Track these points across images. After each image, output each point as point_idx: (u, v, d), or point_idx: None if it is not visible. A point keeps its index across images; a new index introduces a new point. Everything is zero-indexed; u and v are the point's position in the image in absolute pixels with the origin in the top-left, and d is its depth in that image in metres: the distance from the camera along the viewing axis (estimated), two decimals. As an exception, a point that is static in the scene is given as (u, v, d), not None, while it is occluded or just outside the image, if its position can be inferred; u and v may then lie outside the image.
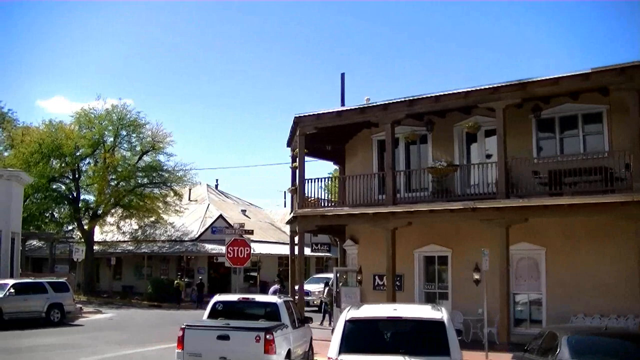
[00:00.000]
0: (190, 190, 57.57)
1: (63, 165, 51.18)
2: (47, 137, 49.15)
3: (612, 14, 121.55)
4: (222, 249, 50.06)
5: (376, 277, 27.23)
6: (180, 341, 15.09)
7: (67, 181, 52.84)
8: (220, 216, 54.14)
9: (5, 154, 55.33)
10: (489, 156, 25.76)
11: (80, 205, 52.31)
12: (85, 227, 51.82)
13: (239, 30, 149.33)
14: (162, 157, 52.47)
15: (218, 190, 66.99)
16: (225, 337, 14.84)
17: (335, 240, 38.71)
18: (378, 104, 24.97)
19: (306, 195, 27.11)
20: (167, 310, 42.55)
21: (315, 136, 27.66)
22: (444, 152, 26.11)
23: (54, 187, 52.50)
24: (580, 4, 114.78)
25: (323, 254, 48.80)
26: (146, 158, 52.10)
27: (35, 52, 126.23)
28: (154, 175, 51.64)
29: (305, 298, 38.70)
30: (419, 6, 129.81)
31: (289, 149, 31.86)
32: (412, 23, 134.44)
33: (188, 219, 56.00)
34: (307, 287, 40.52)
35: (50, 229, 52.91)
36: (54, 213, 53.91)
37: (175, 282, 47.49)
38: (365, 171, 27.42)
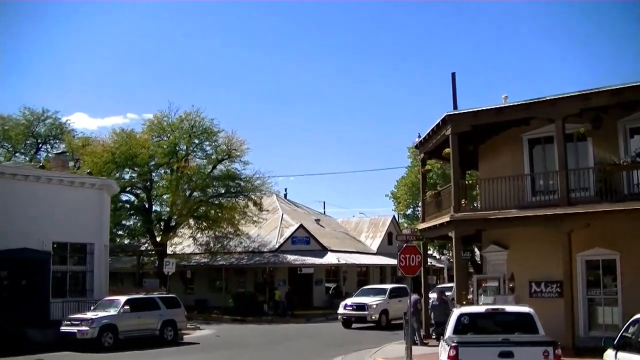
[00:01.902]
0: (261, 199, 55.54)
1: (136, 175, 49.44)
2: (121, 146, 47.32)
3: None
4: (305, 259, 49.19)
5: (532, 284, 25.33)
6: None
7: (139, 191, 51.08)
8: (301, 226, 52.32)
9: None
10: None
11: (152, 216, 50.39)
12: (158, 239, 50.00)
13: (299, 31, 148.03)
14: (237, 166, 50.69)
15: (287, 200, 65.13)
16: (508, 355, 13.18)
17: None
18: (546, 99, 23.06)
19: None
20: (259, 325, 40.86)
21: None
22: (605, 149, 24.24)
23: (125, 198, 50.90)
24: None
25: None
26: (220, 167, 50.23)
27: (54, 69, 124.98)
28: (230, 184, 49.62)
29: (360, 313, 37.07)
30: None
31: (418, 151, 30.05)
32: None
33: (263, 229, 54.15)
34: (360, 300, 38.30)
35: (122, 242, 51.16)
36: (127, 225, 51.99)
37: (274, 292, 46.94)
38: (514, 172, 25.49)
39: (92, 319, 27.80)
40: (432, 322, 26.99)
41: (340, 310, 38.33)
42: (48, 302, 32.33)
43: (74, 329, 27.75)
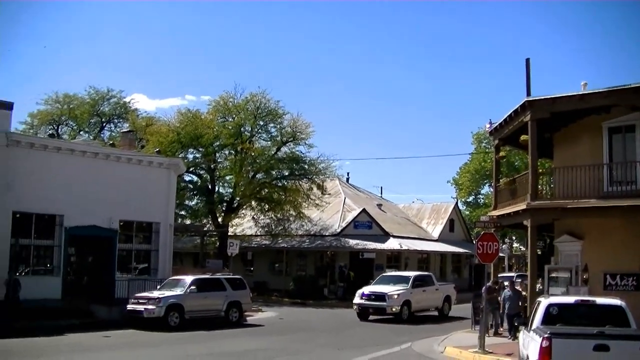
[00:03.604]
0: (324, 183, 55.17)
1: (200, 155, 49.66)
2: (187, 126, 47.45)
3: None
4: (366, 244, 48.90)
5: (607, 276, 24.61)
6: (546, 352, 12.72)
7: (202, 172, 51.32)
8: (364, 210, 51.86)
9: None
10: None
11: (215, 197, 50.55)
12: (219, 219, 50.13)
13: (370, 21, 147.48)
14: (301, 148, 50.60)
15: (349, 184, 64.78)
16: (604, 348, 12.58)
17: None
18: (631, 86, 22.42)
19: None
20: (320, 309, 40.60)
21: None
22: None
23: (188, 178, 51.10)
24: None
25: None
26: (284, 149, 50.12)
27: (114, 50, 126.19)
28: (294, 167, 49.53)
29: (379, 303, 32.74)
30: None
31: (491, 137, 29.50)
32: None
33: (325, 213, 53.93)
34: (380, 288, 33.58)
35: (184, 222, 51.35)
36: (190, 205, 52.26)
37: (349, 273, 47.49)
38: (593, 161, 24.78)
39: (159, 298, 27.77)
40: (506, 313, 26.08)
41: (356, 299, 33.74)
42: (114, 279, 32.64)
43: (141, 307, 27.75)
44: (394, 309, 32.41)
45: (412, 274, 36.52)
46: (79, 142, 38.90)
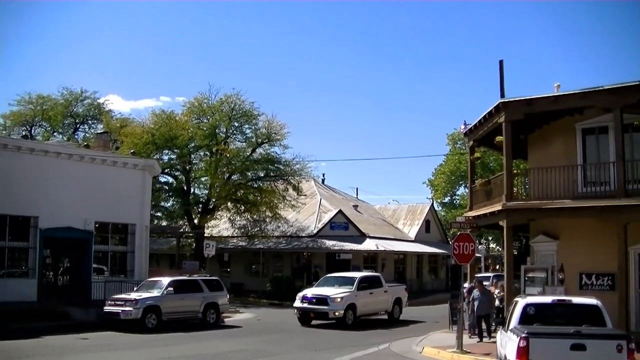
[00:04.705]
0: (299, 184, 55.24)
1: (175, 156, 49.62)
2: (161, 127, 47.33)
3: None
4: (343, 245, 49.06)
5: (583, 276, 24.83)
6: (524, 352, 13.00)
7: (177, 173, 51.25)
8: (340, 211, 52.12)
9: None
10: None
11: (190, 198, 50.50)
12: (195, 221, 50.08)
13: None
14: (277, 149, 50.71)
15: (325, 185, 64.89)
16: (580, 347, 12.86)
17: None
18: (605, 88, 22.58)
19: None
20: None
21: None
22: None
23: (163, 180, 51.02)
24: None
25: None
26: (260, 150, 50.18)
27: (88, 50, 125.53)
28: (270, 168, 49.60)
29: (321, 307, 30.25)
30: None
31: (466, 139, 29.65)
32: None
33: (301, 214, 54.07)
34: (322, 291, 31.29)
35: (160, 223, 51.24)
36: (165, 206, 52.22)
37: (316, 270, 48.12)
38: (567, 162, 25.00)
39: (136, 299, 27.67)
40: (474, 314, 26.01)
41: (297, 303, 31.29)
42: (90, 281, 32.53)
43: (118, 309, 27.68)
44: (336, 314, 30.01)
45: (357, 274, 34.45)
46: (52, 144, 38.69)
